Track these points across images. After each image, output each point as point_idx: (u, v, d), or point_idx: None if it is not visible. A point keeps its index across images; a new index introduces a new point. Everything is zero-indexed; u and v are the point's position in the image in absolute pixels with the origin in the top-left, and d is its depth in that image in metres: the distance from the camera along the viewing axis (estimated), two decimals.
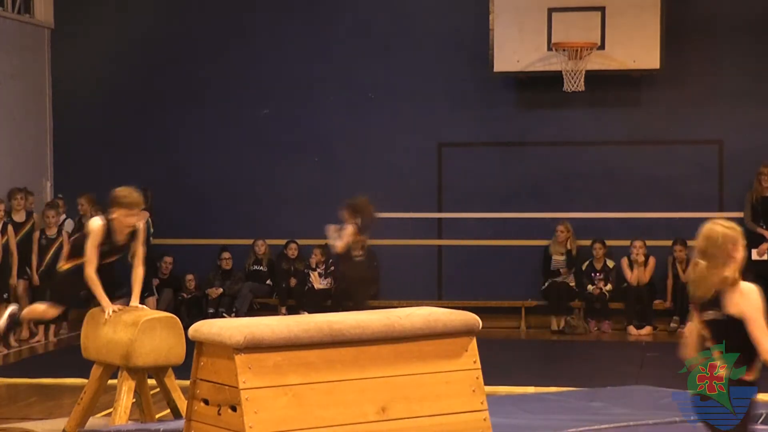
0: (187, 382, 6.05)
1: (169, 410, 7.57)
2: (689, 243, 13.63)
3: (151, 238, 13.99)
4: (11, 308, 8.48)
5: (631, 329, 13.56)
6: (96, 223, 7.70)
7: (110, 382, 7.44)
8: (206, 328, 5.90)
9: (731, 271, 5.09)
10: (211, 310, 14.09)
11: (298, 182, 14.56)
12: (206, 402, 5.54)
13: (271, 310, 13.98)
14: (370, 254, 14.36)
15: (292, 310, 13.77)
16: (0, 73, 13.99)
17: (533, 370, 10.81)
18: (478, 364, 5.89)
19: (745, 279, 5.17)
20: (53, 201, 13.99)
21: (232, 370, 5.23)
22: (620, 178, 14.07)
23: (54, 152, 15.08)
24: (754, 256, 13.20)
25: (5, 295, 12.47)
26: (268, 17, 14.68)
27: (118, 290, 8.08)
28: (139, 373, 7.28)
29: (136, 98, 14.91)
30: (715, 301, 5.02)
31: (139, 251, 7.86)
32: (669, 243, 13.70)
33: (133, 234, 7.80)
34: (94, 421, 7.73)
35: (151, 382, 7.44)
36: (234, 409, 5.22)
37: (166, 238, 14.59)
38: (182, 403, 7.05)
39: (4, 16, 14.15)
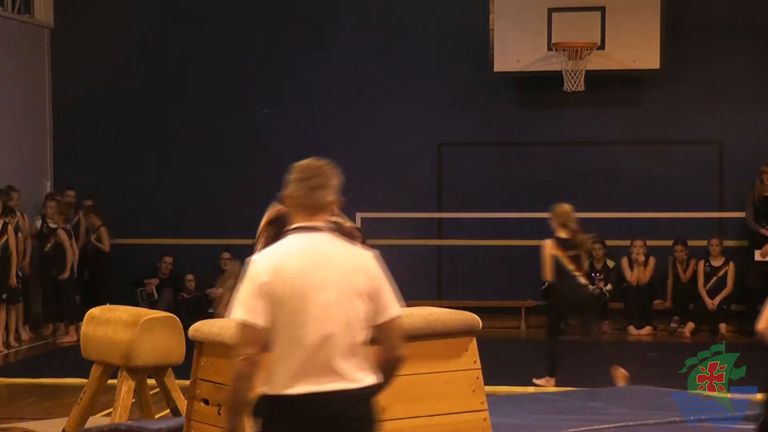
0: (187, 382, 6.05)
1: (168, 410, 7.56)
2: (690, 243, 13.66)
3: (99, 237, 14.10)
4: None
5: (631, 329, 13.56)
6: None
7: (110, 382, 7.43)
8: (206, 328, 5.91)
9: None
10: (211, 310, 14.08)
11: None
12: (206, 402, 5.54)
13: None
14: None
15: None
16: (0, 73, 14.00)
17: (533, 370, 10.79)
18: (478, 364, 5.89)
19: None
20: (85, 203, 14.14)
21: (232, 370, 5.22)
22: (620, 178, 14.07)
23: (54, 152, 15.08)
24: (757, 257, 13.17)
25: (4, 296, 12.47)
26: (268, 17, 14.68)
27: None
28: (139, 373, 7.27)
29: (136, 98, 14.91)
30: None
31: None
32: (669, 243, 13.69)
33: None
34: (94, 420, 7.72)
35: (151, 382, 7.43)
36: None
37: (166, 238, 14.60)
38: (182, 403, 7.04)
39: (4, 16, 14.15)
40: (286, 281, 4.00)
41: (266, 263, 4.07)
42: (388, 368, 4.22)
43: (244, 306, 4.00)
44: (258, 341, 3.98)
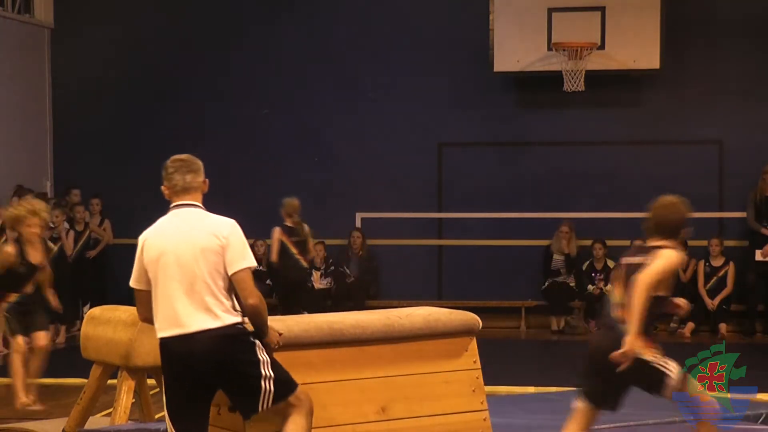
0: None
1: None
2: (690, 243, 13.64)
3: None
4: None
5: None
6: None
7: (110, 382, 7.43)
8: None
9: None
10: None
11: (298, 182, 14.55)
12: None
13: (270, 311, 13.94)
14: (369, 254, 14.38)
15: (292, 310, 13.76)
16: (0, 73, 14.00)
17: (533, 370, 10.79)
18: (478, 364, 5.90)
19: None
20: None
21: None
22: (620, 178, 14.06)
23: (54, 152, 15.08)
24: (758, 257, 13.17)
25: None
26: (268, 17, 14.68)
27: None
28: (139, 373, 7.26)
29: (136, 98, 14.91)
30: None
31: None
32: None
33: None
34: (94, 420, 7.72)
35: (151, 382, 7.43)
36: (234, 409, 5.22)
37: None
38: None
39: (4, 16, 14.15)
40: (150, 249, 5.12)
41: (142, 238, 5.22)
42: (248, 314, 5.07)
43: (133, 274, 5.20)
44: (142, 300, 5.17)
